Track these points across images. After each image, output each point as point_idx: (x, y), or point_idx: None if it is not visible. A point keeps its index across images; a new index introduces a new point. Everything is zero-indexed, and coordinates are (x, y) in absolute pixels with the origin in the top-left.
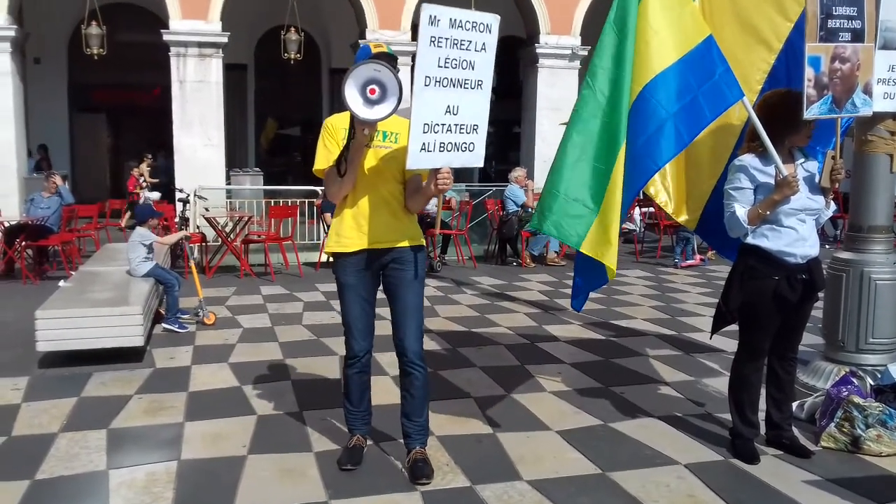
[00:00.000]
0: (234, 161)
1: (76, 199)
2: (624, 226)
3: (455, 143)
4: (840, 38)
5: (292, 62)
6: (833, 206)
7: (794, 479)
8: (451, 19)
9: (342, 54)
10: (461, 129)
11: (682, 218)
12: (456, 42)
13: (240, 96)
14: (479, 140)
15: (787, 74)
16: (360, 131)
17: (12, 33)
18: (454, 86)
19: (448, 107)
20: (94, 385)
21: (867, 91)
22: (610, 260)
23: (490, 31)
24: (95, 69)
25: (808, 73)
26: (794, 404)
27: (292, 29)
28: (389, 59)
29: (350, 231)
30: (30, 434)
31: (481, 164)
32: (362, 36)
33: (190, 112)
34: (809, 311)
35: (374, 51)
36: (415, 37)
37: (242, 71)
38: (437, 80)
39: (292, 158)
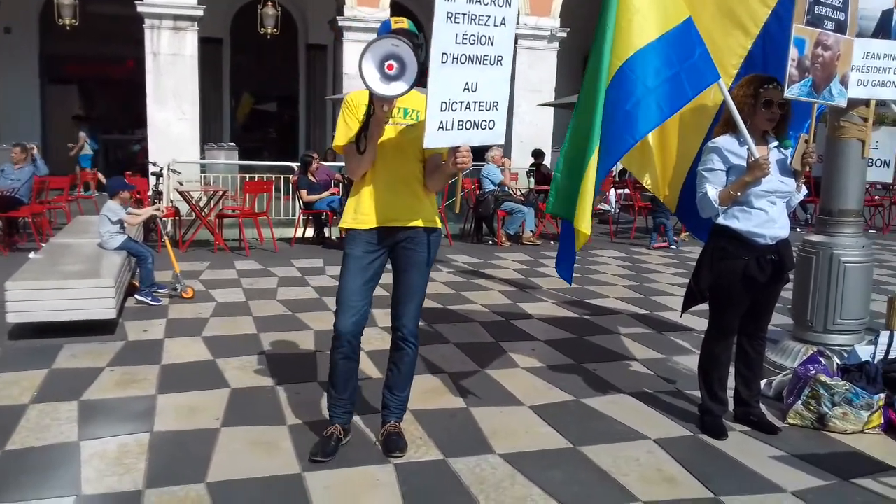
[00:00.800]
0: (209, 135)
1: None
2: (598, 206)
3: (474, 121)
4: (825, 26)
5: (269, 37)
6: (804, 190)
7: (760, 455)
8: None
9: (319, 30)
10: (480, 106)
11: (663, 197)
12: (474, 17)
13: (215, 70)
14: (500, 117)
15: (763, 59)
16: (378, 107)
17: None
18: (473, 62)
19: (467, 84)
20: (65, 357)
21: (843, 82)
22: (582, 224)
23: (510, 5)
24: (67, 40)
25: (793, 53)
26: (763, 382)
27: (269, 3)
28: (409, 34)
29: (367, 208)
30: (0, 405)
31: (502, 142)
32: (340, 12)
33: (164, 85)
34: (779, 291)
35: (394, 26)
36: (395, 13)
37: (218, 45)
38: (455, 56)
39: (268, 134)
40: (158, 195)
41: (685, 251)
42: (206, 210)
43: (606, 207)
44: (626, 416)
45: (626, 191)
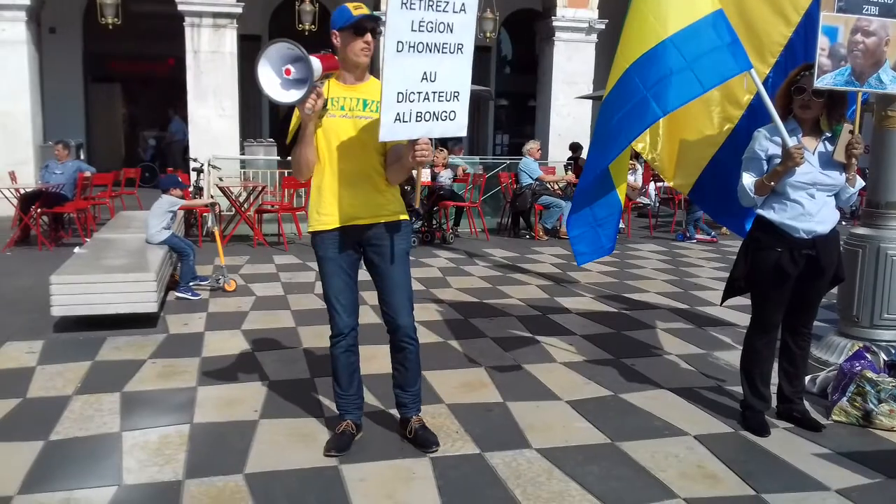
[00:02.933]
0: (248, 132)
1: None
2: (638, 199)
3: (434, 112)
4: (865, 11)
5: (306, 33)
6: (860, 182)
7: (804, 452)
8: None
9: None
10: (440, 96)
11: (673, 181)
12: (431, 4)
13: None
14: (461, 108)
15: (805, 47)
16: (300, 108)
17: (27, 2)
18: (431, 51)
19: (425, 73)
20: (108, 349)
21: None
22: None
23: None
24: (110, 39)
25: (822, 42)
26: (807, 378)
27: (307, 0)
28: (372, 19)
29: (329, 207)
30: (45, 396)
31: (464, 133)
32: (377, 7)
33: (204, 83)
34: (822, 288)
35: (354, 12)
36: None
37: (257, 42)
38: (411, 44)
39: None
40: (199, 191)
41: (726, 244)
42: (245, 205)
43: (646, 201)
44: (665, 411)
45: (666, 184)
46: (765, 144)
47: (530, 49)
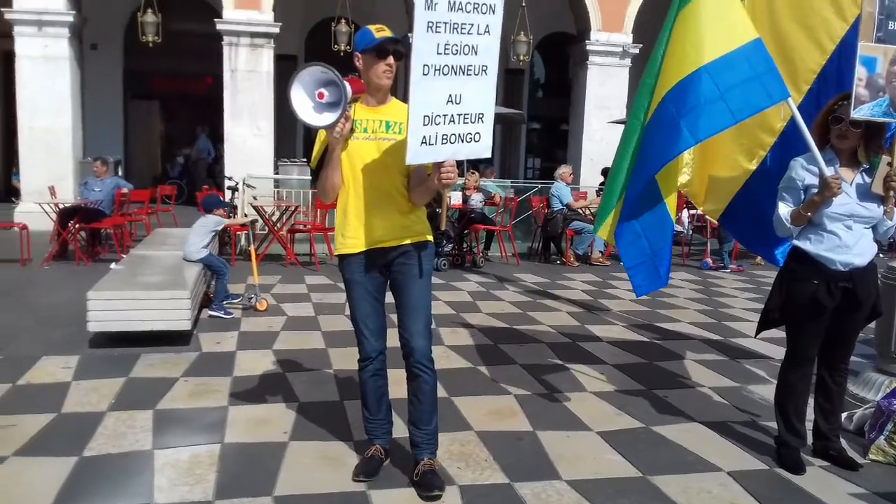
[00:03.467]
0: (283, 151)
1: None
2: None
3: (459, 134)
4: None
5: (342, 54)
6: None
7: (840, 491)
8: (449, 2)
9: None
10: (465, 118)
11: (704, 207)
12: (456, 26)
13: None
14: (486, 129)
15: (838, 76)
16: (328, 132)
17: (70, 19)
18: (456, 73)
19: (450, 96)
20: (142, 366)
21: None
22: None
23: (493, 12)
24: (150, 57)
25: (860, 72)
26: (843, 415)
27: (343, 20)
28: (395, 41)
29: (354, 231)
30: (79, 412)
31: (488, 155)
32: (411, 29)
33: (240, 101)
34: (860, 322)
35: (376, 35)
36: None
37: (293, 62)
38: (437, 67)
39: None
40: (234, 209)
41: (760, 275)
42: (278, 224)
43: (679, 229)
44: (698, 445)
45: (699, 211)
46: (801, 174)
47: (563, 73)
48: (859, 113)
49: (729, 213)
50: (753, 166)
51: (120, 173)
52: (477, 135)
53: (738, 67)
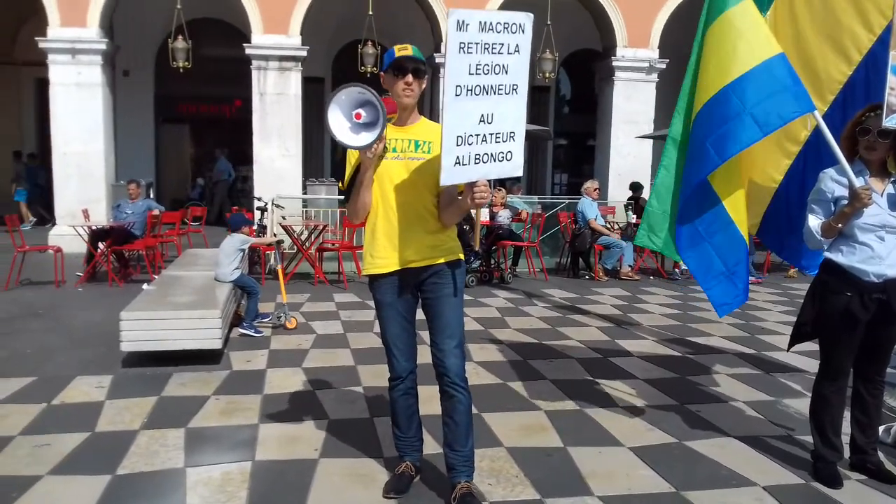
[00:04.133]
0: (311, 171)
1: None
2: None
3: (491, 154)
4: None
5: (369, 75)
6: None
7: None
8: (480, 23)
9: None
10: (497, 137)
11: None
12: (487, 46)
13: (317, 108)
14: (517, 148)
15: (865, 87)
16: (362, 153)
17: (104, 47)
18: (487, 93)
19: (482, 116)
20: (173, 385)
21: None
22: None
23: (523, 31)
24: (180, 81)
25: (892, 81)
26: (881, 428)
27: (369, 43)
28: (413, 59)
29: (384, 251)
30: (112, 430)
31: (520, 174)
32: (437, 49)
33: (269, 124)
34: (895, 334)
35: (398, 53)
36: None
37: (320, 84)
38: (469, 88)
39: None
40: (263, 229)
41: (793, 287)
42: (307, 243)
43: None
44: (732, 460)
45: None
46: (831, 186)
47: (589, 89)
48: (891, 122)
49: (764, 226)
50: (781, 176)
51: (152, 195)
52: (509, 153)
53: (763, 83)
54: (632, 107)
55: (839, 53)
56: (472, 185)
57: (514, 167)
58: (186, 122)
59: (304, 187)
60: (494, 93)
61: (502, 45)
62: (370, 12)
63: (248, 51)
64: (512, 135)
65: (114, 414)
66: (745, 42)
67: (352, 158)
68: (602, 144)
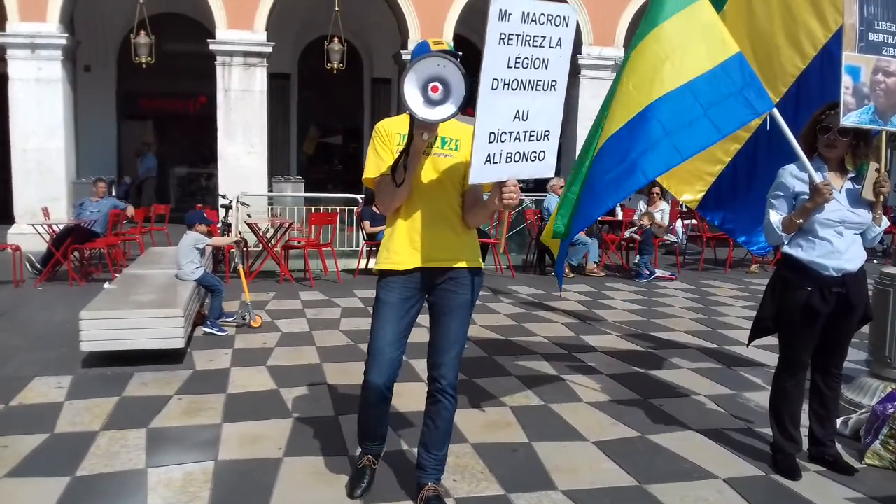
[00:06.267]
0: (276, 169)
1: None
2: (665, 237)
3: (523, 153)
4: (884, 52)
5: (335, 72)
6: (885, 222)
7: (836, 497)
8: (524, 13)
9: (385, 64)
10: (531, 136)
11: (684, 197)
12: (528, 38)
13: (283, 105)
14: (551, 147)
15: (820, 82)
16: (418, 135)
17: (63, 41)
18: (525, 88)
19: (518, 112)
20: (135, 385)
21: None
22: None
23: (567, 25)
24: (143, 77)
25: (846, 80)
26: (839, 421)
27: (336, 39)
28: (452, 57)
29: (402, 247)
30: (72, 432)
31: (552, 174)
32: (404, 46)
33: (234, 120)
34: (852, 327)
35: (433, 48)
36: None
37: (286, 80)
38: (507, 82)
39: (333, 167)
40: (228, 227)
41: (754, 283)
42: (272, 241)
43: (673, 238)
44: (694, 453)
45: (694, 221)
46: (791, 182)
47: None
48: (848, 120)
49: (704, 201)
50: (728, 158)
51: (114, 193)
52: (542, 153)
53: (721, 83)
54: (598, 105)
55: (793, 47)
56: (500, 184)
57: (547, 167)
58: (149, 119)
59: (270, 185)
60: (532, 88)
61: (544, 38)
62: (336, 8)
63: (212, 46)
64: (546, 133)
65: (73, 415)
66: (702, 43)
67: (384, 146)
68: (568, 142)
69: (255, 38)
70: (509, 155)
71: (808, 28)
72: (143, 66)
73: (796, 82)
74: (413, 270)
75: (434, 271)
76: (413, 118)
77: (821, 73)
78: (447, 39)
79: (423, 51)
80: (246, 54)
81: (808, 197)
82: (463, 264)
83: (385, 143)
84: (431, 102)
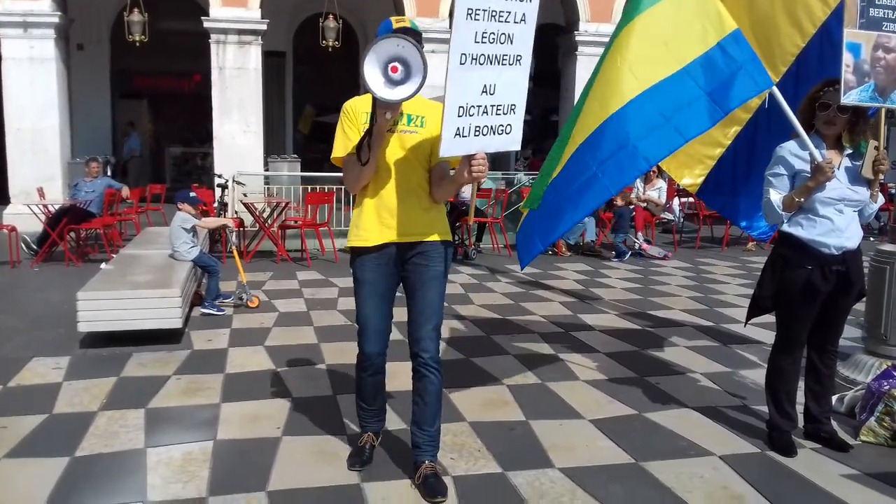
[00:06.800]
0: (272, 148)
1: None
2: (662, 216)
3: (491, 126)
4: (885, 28)
5: (330, 50)
6: (881, 199)
7: (832, 473)
8: None
9: None
10: (497, 109)
11: (684, 181)
12: (494, 14)
13: (278, 83)
14: (517, 121)
15: (819, 59)
16: (381, 115)
17: (56, 20)
18: (491, 62)
19: (485, 86)
20: (133, 365)
21: None
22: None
23: (531, 0)
24: (137, 56)
25: (847, 58)
26: (834, 398)
27: (331, 16)
28: (414, 34)
29: (371, 224)
30: (70, 412)
31: (518, 148)
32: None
33: (229, 99)
34: (849, 305)
35: (395, 25)
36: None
37: (281, 58)
38: (474, 57)
39: (330, 145)
40: (224, 207)
41: (752, 261)
42: (269, 221)
43: (670, 217)
44: (690, 431)
45: (690, 199)
46: (791, 160)
47: (552, 64)
48: (849, 98)
49: (705, 185)
50: (728, 141)
51: (109, 173)
52: (508, 126)
53: (719, 62)
54: None
55: (793, 25)
56: (469, 158)
57: (513, 140)
58: (144, 98)
59: (266, 164)
60: (499, 63)
61: (509, 13)
62: None
63: (206, 24)
64: (513, 107)
65: (72, 395)
66: (699, 23)
67: (351, 125)
68: (565, 120)
69: (250, 15)
70: (477, 129)
71: (807, 4)
72: (137, 44)
73: (796, 60)
74: (383, 246)
75: (404, 246)
76: (375, 98)
77: (820, 50)
78: (418, 18)
79: (387, 29)
80: (240, 32)
81: (808, 175)
82: (433, 238)
83: (353, 122)
84: (392, 82)
